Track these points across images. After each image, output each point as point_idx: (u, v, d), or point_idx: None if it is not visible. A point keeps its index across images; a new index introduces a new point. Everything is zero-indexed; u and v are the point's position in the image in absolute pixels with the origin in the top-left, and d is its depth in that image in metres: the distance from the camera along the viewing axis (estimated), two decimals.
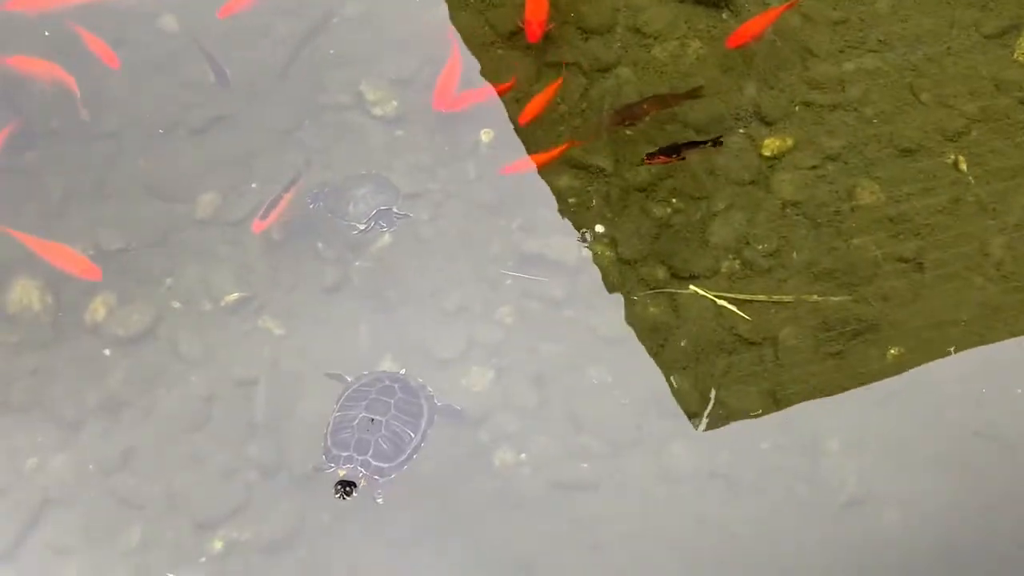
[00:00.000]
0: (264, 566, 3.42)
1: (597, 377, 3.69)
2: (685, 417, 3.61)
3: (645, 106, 3.95)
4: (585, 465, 3.57)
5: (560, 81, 4.01)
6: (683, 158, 3.83)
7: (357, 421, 3.50)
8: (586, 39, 4.16)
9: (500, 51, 4.17)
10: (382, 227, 3.85)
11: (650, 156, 3.82)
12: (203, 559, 3.41)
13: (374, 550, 3.44)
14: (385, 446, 3.47)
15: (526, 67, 4.14)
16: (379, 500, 3.44)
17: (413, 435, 3.50)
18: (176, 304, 3.78)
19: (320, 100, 4.14)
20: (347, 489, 3.45)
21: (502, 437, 3.60)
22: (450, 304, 3.80)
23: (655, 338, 3.71)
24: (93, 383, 3.64)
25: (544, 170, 3.95)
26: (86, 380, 3.65)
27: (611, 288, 3.80)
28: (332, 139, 4.08)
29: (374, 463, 3.45)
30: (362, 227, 3.83)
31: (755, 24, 4.05)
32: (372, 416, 3.48)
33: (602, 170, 3.94)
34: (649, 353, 3.70)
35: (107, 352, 3.69)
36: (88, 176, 3.97)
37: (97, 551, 3.42)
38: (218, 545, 3.43)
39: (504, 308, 3.79)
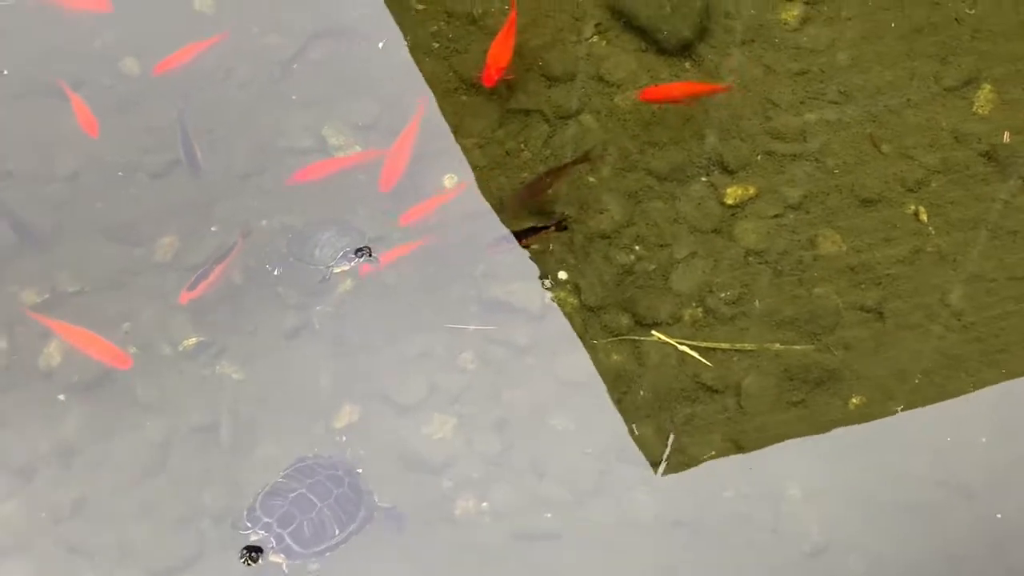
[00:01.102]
0: None
1: (560, 424, 3.66)
2: (648, 465, 3.59)
3: (546, 179, 3.95)
4: (548, 514, 3.53)
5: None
6: (529, 245, 3.88)
7: (294, 495, 3.41)
8: (550, 86, 4.18)
9: (464, 97, 4.17)
10: (350, 265, 3.80)
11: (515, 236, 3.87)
12: None
13: None
14: (307, 531, 3.36)
15: (489, 113, 4.14)
16: None
17: (337, 532, 3.39)
18: (133, 349, 3.71)
19: (280, 144, 4.11)
20: (253, 555, 3.34)
21: (464, 484, 3.56)
22: (412, 350, 3.77)
23: (618, 385, 3.70)
24: (46, 429, 3.57)
25: (507, 216, 3.94)
26: (39, 426, 3.58)
27: (574, 335, 3.78)
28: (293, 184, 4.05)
29: (288, 541, 3.35)
30: (329, 270, 3.79)
31: (676, 89, 4.09)
32: (312, 496, 3.39)
33: (565, 216, 3.93)
34: (612, 400, 3.68)
35: (61, 397, 3.62)
36: (45, 219, 3.92)
37: None
38: None
39: (466, 354, 3.76)
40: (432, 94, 4.18)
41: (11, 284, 3.76)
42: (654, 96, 4.08)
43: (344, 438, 3.60)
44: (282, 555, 3.34)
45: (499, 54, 4.07)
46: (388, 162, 4.01)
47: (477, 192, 4.01)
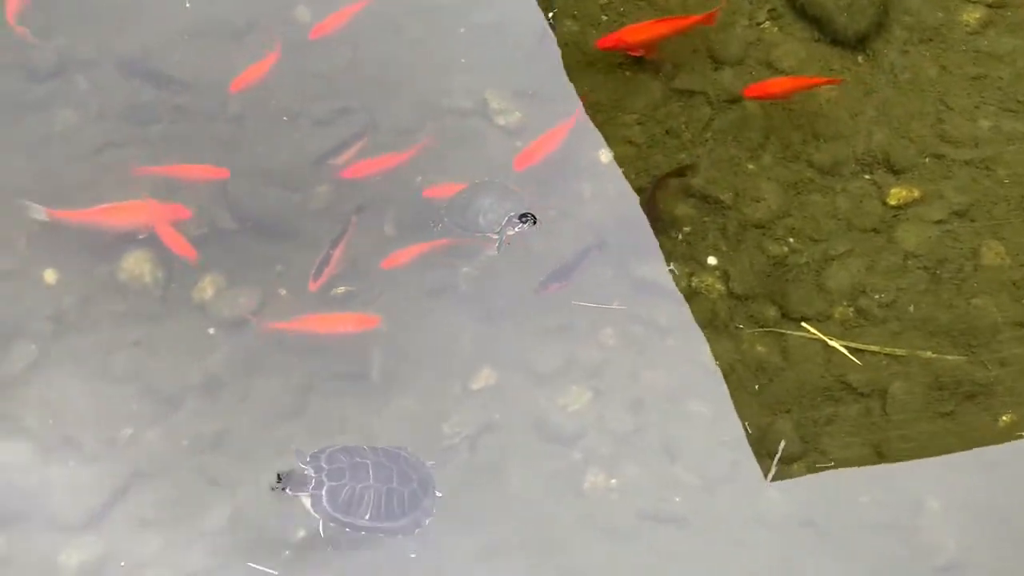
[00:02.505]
0: (344, 556, 3.40)
1: (696, 410, 3.63)
2: (783, 461, 3.54)
3: (667, 180, 3.89)
4: (677, 498, 3.51)
5: None
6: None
7: (358, 460, 3.39)
8: (716, 69, 4.12)
9: (628, 73, 4.14)
10: (514, 231, 3.78)
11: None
12: (287, 552, 3.40)
13: (456, 555, 3.41)
14: (342, 496, 3.34)
15: (652, 91, 4.10)
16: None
17: (367, 518, 3.34)
18: (283, 292, 3.79)
19: (444, 103, 4.13)
20: (281, 481, 3.37)
21: (595, 459, 3.56)
22: (553, 320, 3.77)
23: (759, 377, 3.65)
24: (195, 361, 3.66)
25: (664, 196, 3.91)
26: (188, 357, 3.67)
27: (718, 322, 3.74)
28: (451, 143, 4.07)
29: (322, 492, 3.34)
30: (496, 237, 3.78)
31: (782, 84, 3.97)
32: (371, 472, 3.36)
33: (721, 202, 3.88)
34: (752, 391, 3.64)
35: (211, 331, 3.71)
36: (208, 156, 4.00)
37: (181, 528, 3.43)
38: (301, 533, 3.42)
39: (608, 329, 3.75)
40: (597, 67, 4.15)
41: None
42: (755, 93, 3.96)
43: None
44: (310, 500, 3.36)
45: (637, 31, 3.99)
46: (533, 146, 4.00)
47: (635, 167, 3.98)
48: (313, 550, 3.41)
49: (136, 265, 3.76)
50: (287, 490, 3.36)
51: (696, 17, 4.01)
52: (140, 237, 3.76)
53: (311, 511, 3.36)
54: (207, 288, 3.77)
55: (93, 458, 3.52)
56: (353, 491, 3.35)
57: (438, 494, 3.45)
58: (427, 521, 3.40)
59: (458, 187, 3.91)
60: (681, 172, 3.93)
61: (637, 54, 4.05)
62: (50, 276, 3.76)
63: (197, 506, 3.44)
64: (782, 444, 3.52)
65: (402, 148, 4.01)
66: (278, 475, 3.39)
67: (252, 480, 3.48)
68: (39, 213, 3.74)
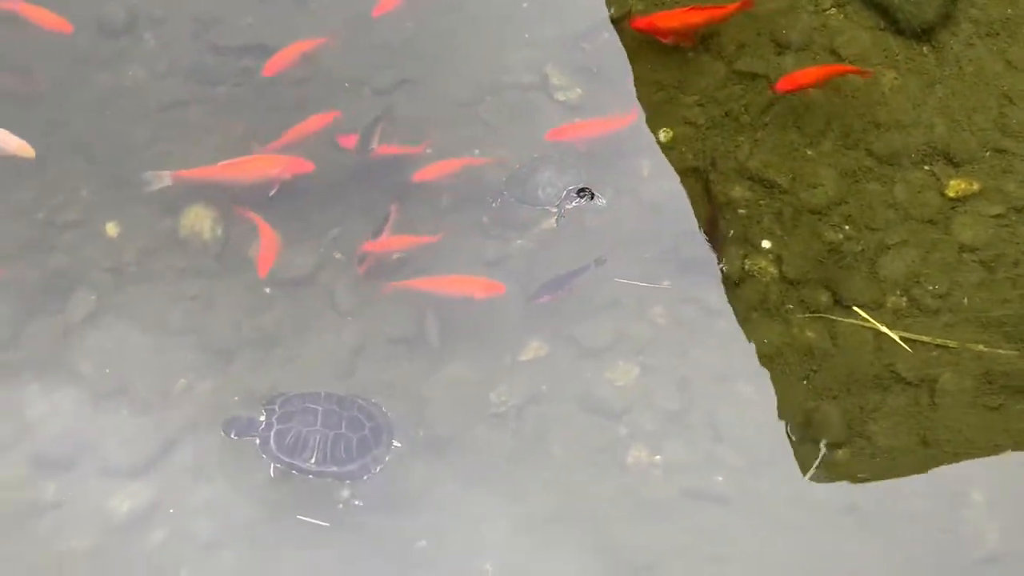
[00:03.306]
0: (384, 526, 3.45)
1: (744, 391, 3.64)
2: (828, 446, 3.54)
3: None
4: (719, 478, 3.52)
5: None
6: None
7: (309, 406, 3.46)
8: (779, 53, 4.11)
9: (691, 53, 4.14)
10: (572, 205, 3.81)
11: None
12: (340, 505, 3.45)
13: (497, 523, 3.45)
14: (287, 440, 3.42)
15: (714, 72, 4.10)
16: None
17: (312, 462, 3.41)
18: (338, 255, 3.83)
19: (504, 79, 4.16)
20: (228, 426, 3.47)
21: (639, 434, 3.58)
22: (603, 296, 3.79)
23: (809, 362, 3.65)
24: (249, 317, 3.72)
25: (721, 178, 3.91)
26: (243, 313, 3.73)
27: (769, 305, 3.74)
28: (509, 117, 4.10)
29: (270, 434, 3.43)
30: (555, 210, 3.81)
31: (811, 74, 3.94)
32: (320, 418, 3.44)
33: (778, 186, 3.88)
34: (800, 376, 3.64)
35: (267, 290, 3.76)
36: (272, 118, 4.05)
37: (232, 480, 3.49)
38: (344, 494, 3.47)
39: (658, 308, 3.76)
40: (660, 46, 4.15)
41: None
42: (789, 86, 3.92)
43: None
44: (258, 440, 3.44)
45: (669, 18, 3.99)
46: (576, 124, 4.02)
47: (693, 148, 3.99)
48: (363, 511, 3.45)
49: (196, 222, 3.82)
50: (232, 435, 3.45)
51: (732, 6, 4.00)
52: (271, 194, 3.82)
53: (260, 453, 3.43)
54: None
55: (147, 407, 3.59)
56: (299, 435, 3.42)
57: (396, 444, 3.49)
58: (378, 468, 3.45)
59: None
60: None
61: (668, 40, 4.05)
62: (112, 229, 3.83)
63: (248, 458, 3.50)
64: (823, 446, 3.52)
65: (460, 121, 4.05)
66: (228, 421, 3.48)
67: None
68: (163, 180, 3.78)
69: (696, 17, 4.02)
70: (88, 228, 3.83)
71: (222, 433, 3.46)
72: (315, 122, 3.91)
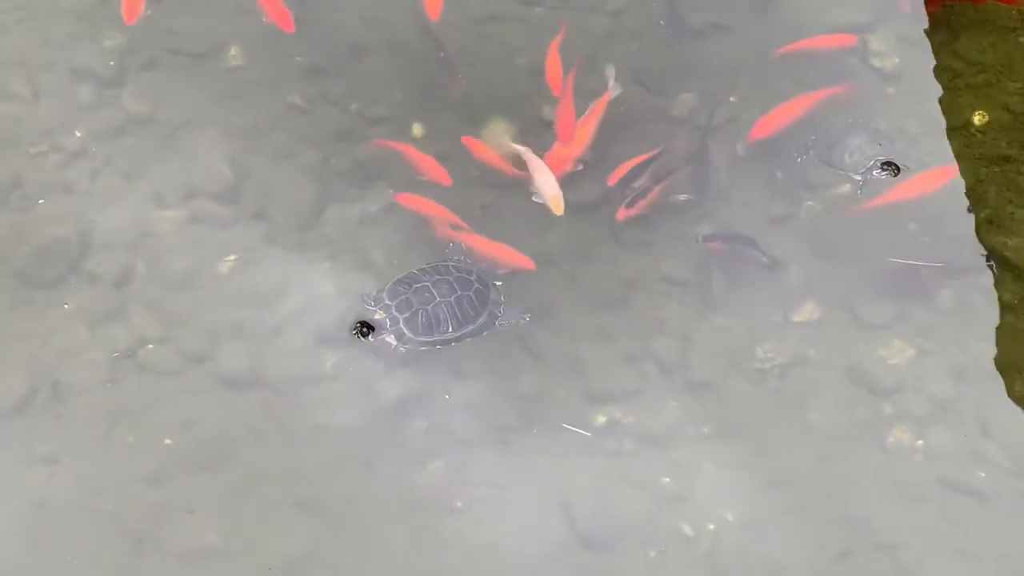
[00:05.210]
0: (636, 451, 3.49)
1: (1020, 392, 3.50)
2: None
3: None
4: (982, 473, 3.41)
5: None
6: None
7: (418, 286, 3.54)
8: None
9: (1021, 39, 3.96)
10: (873, 176, 3.75)
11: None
12: (603, 419, 3.51)
13: (742, 477, 3.45)
14: (420, 320, 3.50)
15: None
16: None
17: (451, 329, 3.51)
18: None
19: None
20: (363, 331, 3.53)
21: (905, 416, 3.50)
22: (889, 271, 3.72)
23: None
24: (534, 237, 3.79)
25: None
26: (529, 232, 3.80)
27: None
28: (820, 79, 4.03)
29: (401, 325, 3.50)
30: (859, 178, 3.77)
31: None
32: (434, 290, 3.52)
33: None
34: None
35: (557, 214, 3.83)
36: (582, 42, 4.11)
37: (495, 384, 3.57)
38: (602, 419, 3.53)
39: (947, 292, 3.66)
40: (989, 26, 3.99)
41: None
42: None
43: None
44: (394, 336, 3.51)
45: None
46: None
47: None
48: (611, 435, 3.50)
49: (496, 134, 3.93)
50: (370, 338, 3.53)
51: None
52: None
53: (399, 347, 3.53)
54: None
55: None
56: (427, 313, 3.51)
57: (497, 283, 3.60)
58: (501, 310, 3.57)
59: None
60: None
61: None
62: (418, 130, 3.99)
63: (509, 363, 3.58)
64: None
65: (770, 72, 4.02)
66: (360, 326, 3.55)
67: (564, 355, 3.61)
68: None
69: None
70: (395, 125, 3.99)
71: (362, 338, 3.56)
72: None
